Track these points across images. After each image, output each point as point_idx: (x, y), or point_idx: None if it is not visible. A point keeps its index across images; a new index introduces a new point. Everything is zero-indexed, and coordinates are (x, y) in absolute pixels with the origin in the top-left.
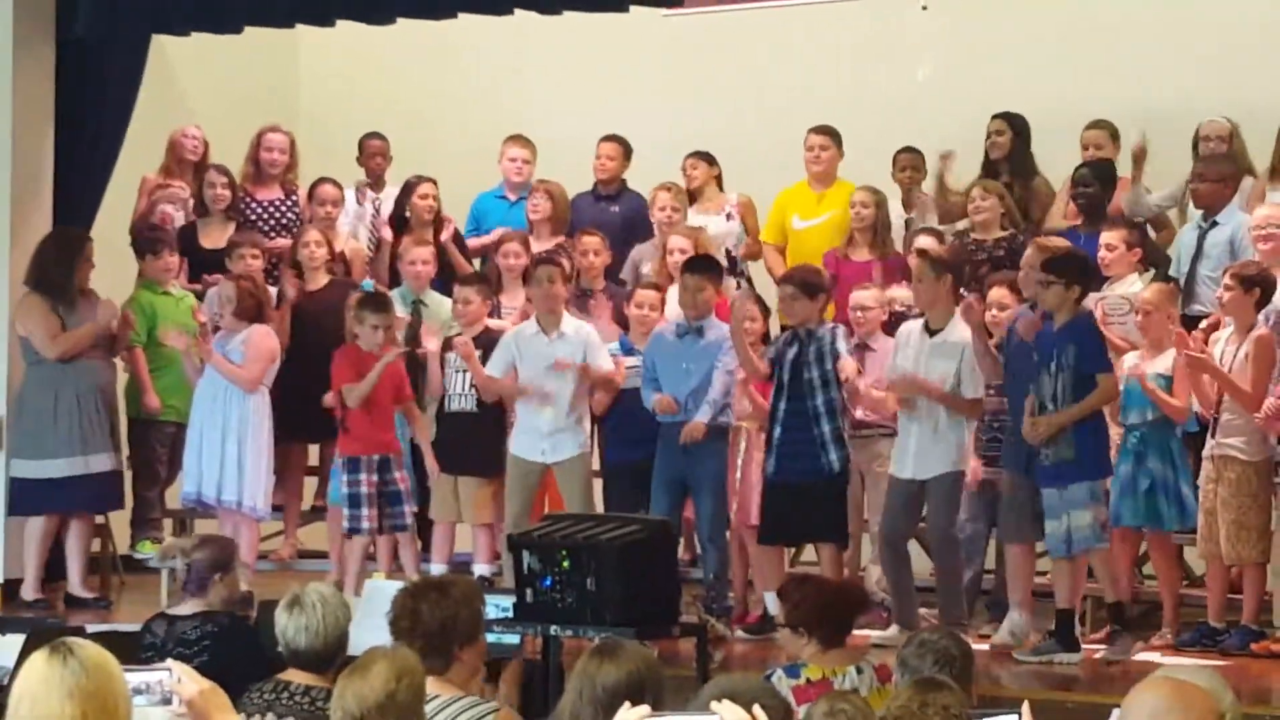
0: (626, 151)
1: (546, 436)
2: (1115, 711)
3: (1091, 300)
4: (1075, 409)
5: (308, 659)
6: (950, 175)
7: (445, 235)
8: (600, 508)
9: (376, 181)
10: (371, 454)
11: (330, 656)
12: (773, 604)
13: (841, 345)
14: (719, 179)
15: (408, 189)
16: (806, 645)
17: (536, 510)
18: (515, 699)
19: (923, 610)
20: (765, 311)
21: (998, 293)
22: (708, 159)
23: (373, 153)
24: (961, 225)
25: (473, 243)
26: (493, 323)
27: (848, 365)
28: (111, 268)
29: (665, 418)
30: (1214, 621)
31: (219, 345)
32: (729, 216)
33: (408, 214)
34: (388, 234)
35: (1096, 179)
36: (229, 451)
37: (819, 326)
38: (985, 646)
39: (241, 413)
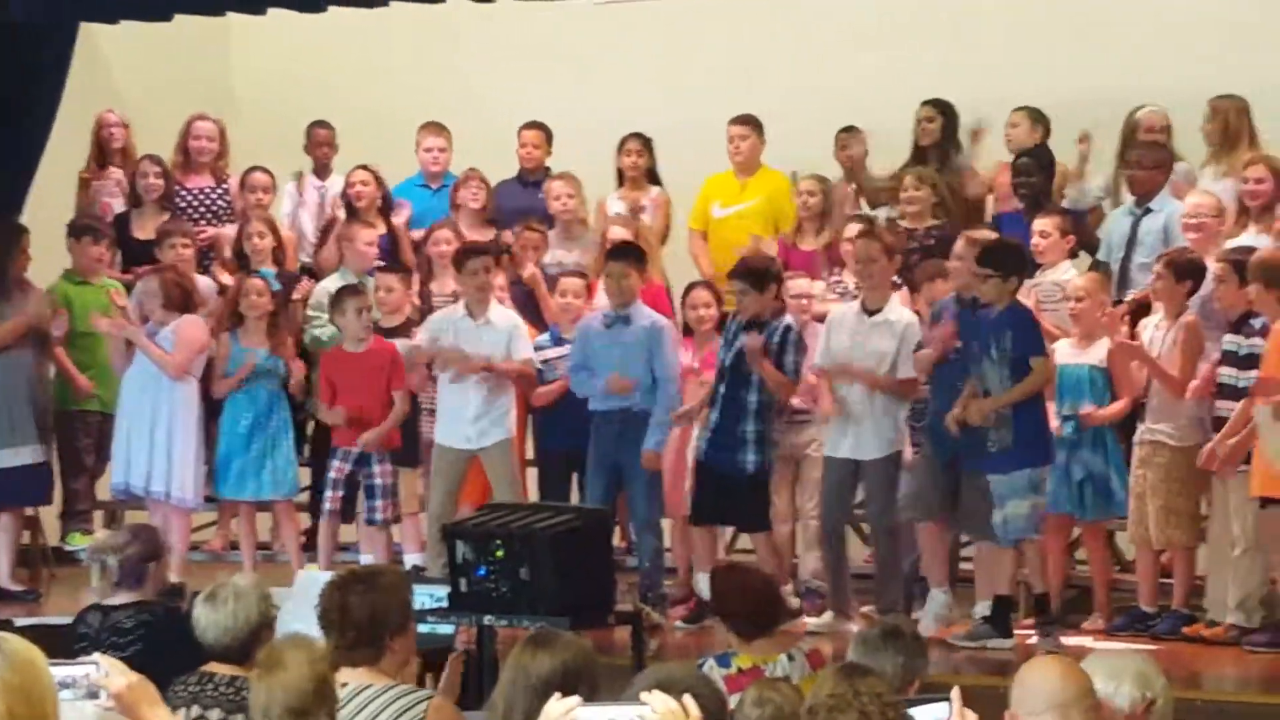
0: (549, 138)
1: (471, 423)
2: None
3: (1025, 287)
4: (1010, 392)
5: (222, 652)
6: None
7: (400, 219)
8: (534, 496)
9: (323, 169)
10: (351, 446)
11: (246, 649)
12: (704, 586)
13: (791, 358)
14: (651, 169)
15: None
16: (731, 634)
17: (464, 498)
18: (456, 691)
19: (864, 610)
20: (719, 299)
21: (931, 289)
22: (648, 145)
23: (319, 141)
24: (887, 213)
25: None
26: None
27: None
28: (37, 258)
29: (599, 406)
30: (1145, 606)
31: (148, 334)
32: (644, 209)
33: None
34: (338, 223)
35: (1037, 166)
36: (158, 442)
37: (773, 319)
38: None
39: (170, 403)
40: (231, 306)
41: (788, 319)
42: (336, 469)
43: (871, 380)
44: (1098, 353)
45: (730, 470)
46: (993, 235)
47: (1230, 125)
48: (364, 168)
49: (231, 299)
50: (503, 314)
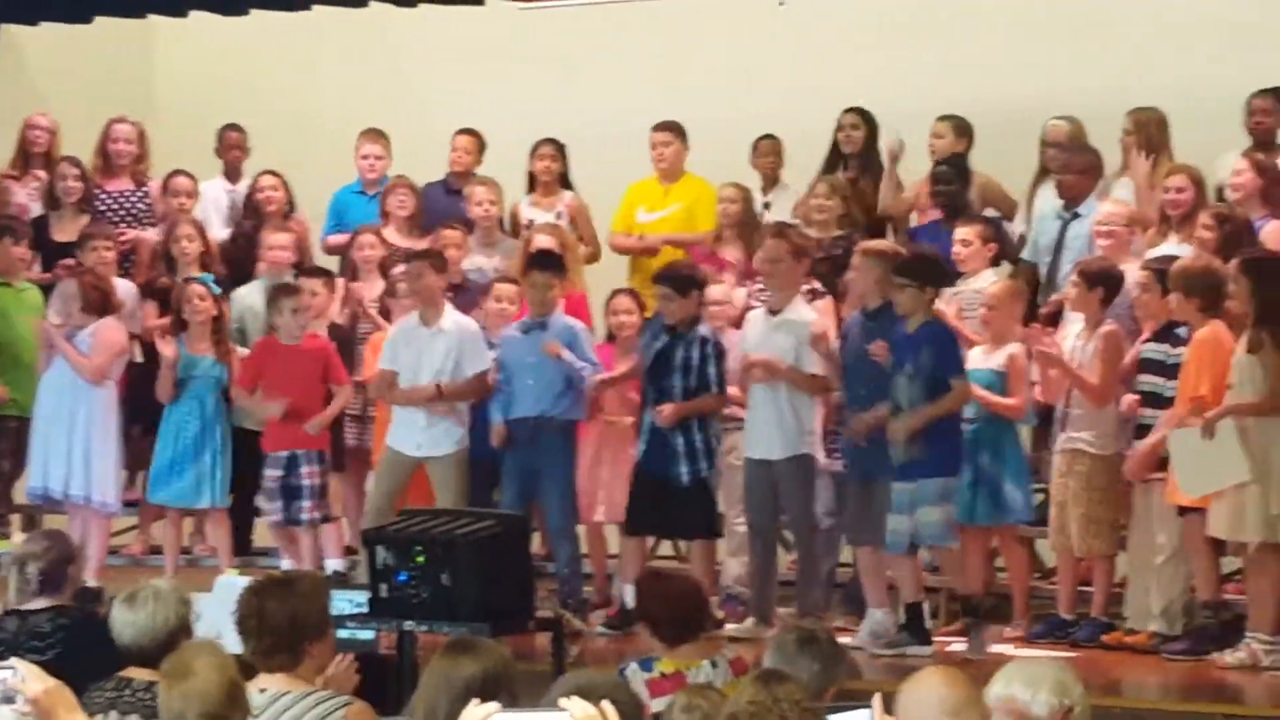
0: (481, 145)
1: (423, 430)
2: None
3: (946, 296)
4: (927, 411)
5: (139, 655)
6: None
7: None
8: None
9: (234, 173)
10: (279, 451)
11: (163, 651)
12: (631, 597)
13: (713, 370)
14: (563, 175)
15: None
16: (654, 640)
17: (405, 503)
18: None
19: (781, 611)
20: (641, 305)
21: None
22: (560, 150)
23: (231, 145)
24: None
25: (333, 240)
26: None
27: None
28: None
29: (513, 414)
30: (1064, 614)
31: (67, 338)
32: (559, 215)
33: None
34: (245, 227)
35: (956, 176)
36: (76, 446)
37: (693, 329)
38: (846, 640)
39: (89, 407)
40: (175, 314)
41: (704, 329)
42: (272, 478)
43: (785, 370)
44: (998, 358)
45: (667, 480)
46: (888, 245)
47: (1153, 137)
48: (271, 173)
49: (175, 306)
50: (456, 321)
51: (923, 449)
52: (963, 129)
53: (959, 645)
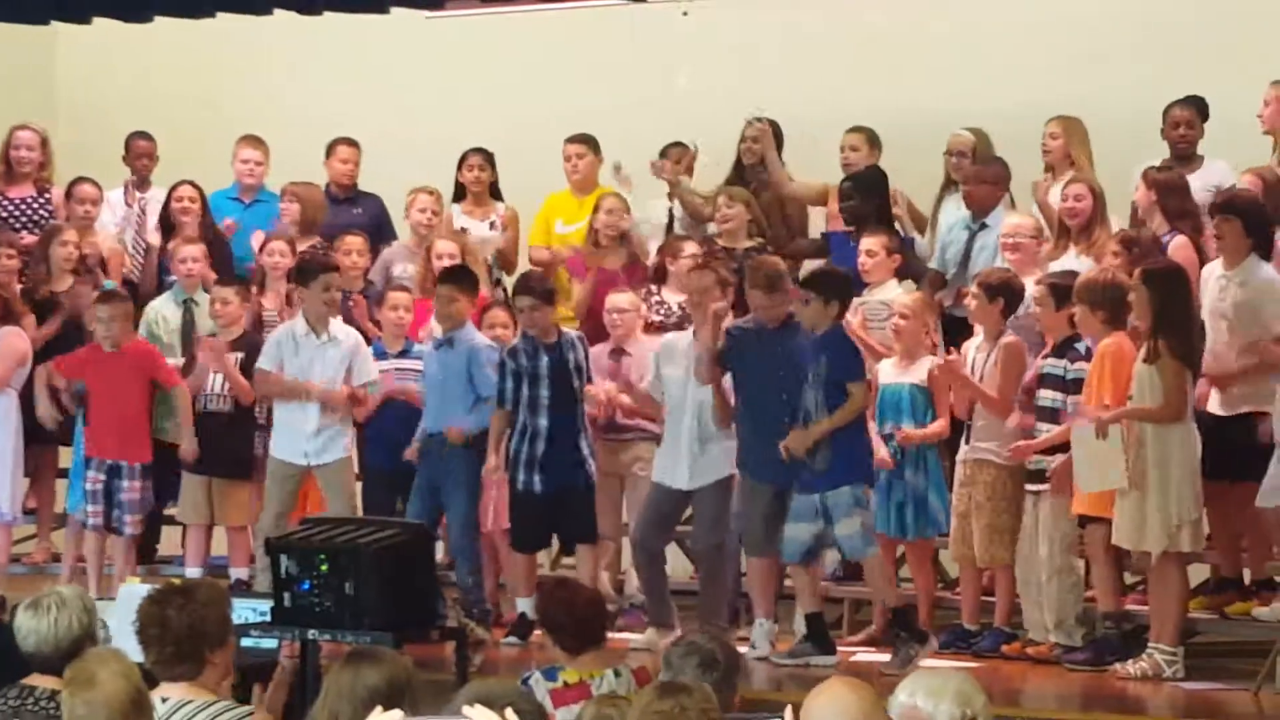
0: (359, 154)
1: (310, 438)
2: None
3: (852, 306)
4: (828, 421)
5: (44, 663)
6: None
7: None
8: (360, 512)
9: (143, 182)
10: (104, 457)
11: (67, 659)
12: (528, 607)
13: (584, 363)
14: (494, 184)
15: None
16: (557, 649)
17: (298, 513)
18: (279, 707)
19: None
20: (513, 320)
21: None
22: (490, 160)
23: (139, 153)
24: (711, 230)
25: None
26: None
27: (601, 391)
28: None
29: (426, 426)
30: (967, 624)
31: None
32: (492, 225)
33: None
34: (155, 238)
35: (857, 190)
36: None
37: (562, 335)
38: (744, 650)
39: None
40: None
41: (570, 332)
42: (92, 479)
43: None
44: (919, 372)
45: (563, 488)
46: (774, 261)
47: (1076, 145)
48: (189, 183)
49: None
50: (345, 331)
51: (829, 459)
52: (874, 140)
53: (865, 655)
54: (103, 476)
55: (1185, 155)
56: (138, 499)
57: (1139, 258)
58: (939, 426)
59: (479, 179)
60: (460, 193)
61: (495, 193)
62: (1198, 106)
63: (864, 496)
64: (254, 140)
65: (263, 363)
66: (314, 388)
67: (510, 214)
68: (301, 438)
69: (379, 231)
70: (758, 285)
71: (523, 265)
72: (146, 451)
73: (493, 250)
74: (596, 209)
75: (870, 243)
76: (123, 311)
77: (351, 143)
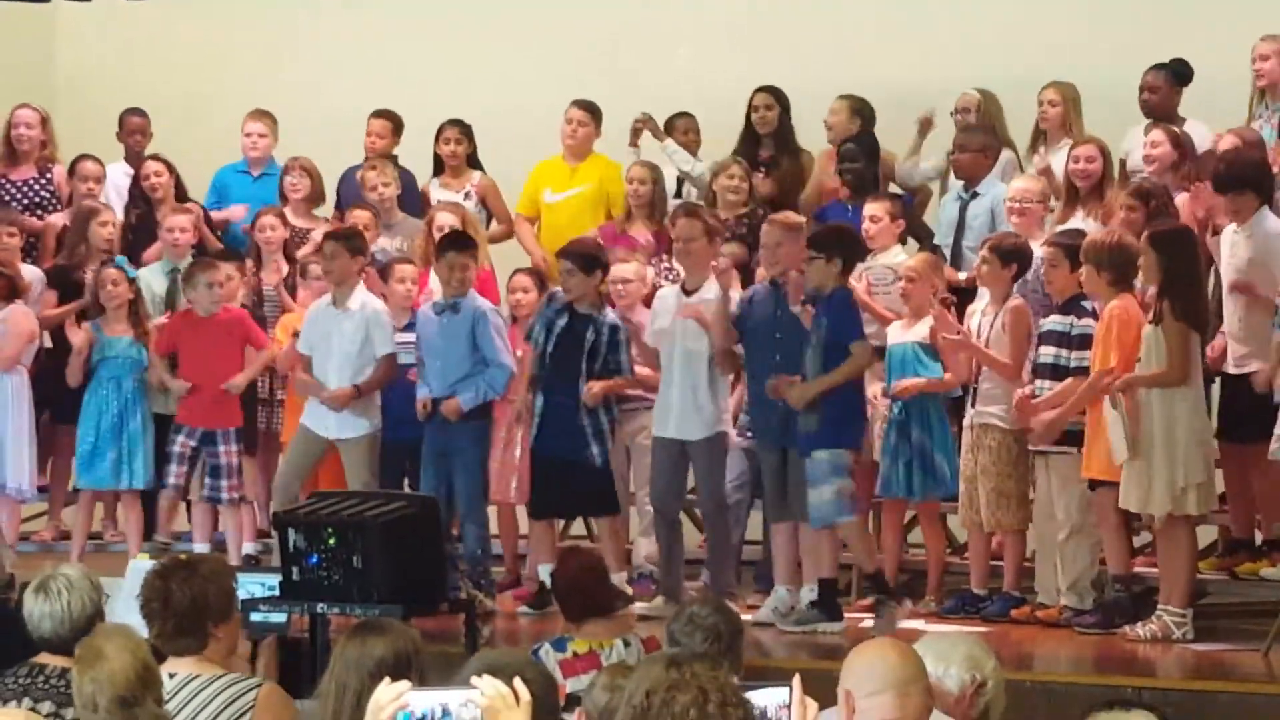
0: (397, 128)
1: (336, 412)
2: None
3: (857, 271)
4: (827, 377)
5: (55, 644)
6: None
7: (233, 217)
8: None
9: (135, 158)
10: (195, 425)
11: (80, 639)
12: (547, 576)
13: (623, 357)
14: (471, 156)
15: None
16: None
17: (312, 484)
18: (274, 673)
19: (689, 585)
20: (541, 285)
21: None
22: (466, 131)
23: (132, 130)
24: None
25: (215, 216)
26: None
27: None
28: None
29: (432, 395)
30: (976, 589)
31: None
32: (467, 195)
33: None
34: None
35: (861, 153)
36: None
37: (598, 312)
38: (749, 617)
39: (0, 394)
40: (92, 297)
41: (611, 316)
42: (181, 444)
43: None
44: (920, 330)
45: (574, 460)
46: (796, 218)
47: (1071, 111)
48: (156, 158)
49: (91, 290)
50: (365, 301)
51: (815, 422)
52: (859, 107)
53: (870, 622)
54: (193, 443)
55: (1165, 119)
56: (236, 464)
57: (1155, 212)
58: (946, 377)
59: (455, 152)
60: (440, 166)
61: (475, 164)
62: (1172, 70)
63: (843, 464)
64: (260, 114)
65: (301, 346)
66: (320, 392)
67: (486, 184)
68: (328, 411)
69: (402, 203)
70: (787, 231)
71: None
72: (239, 416)
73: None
74: (626, 179)
75: (874, 208)
76: (217, 278)
77: (386, 115)
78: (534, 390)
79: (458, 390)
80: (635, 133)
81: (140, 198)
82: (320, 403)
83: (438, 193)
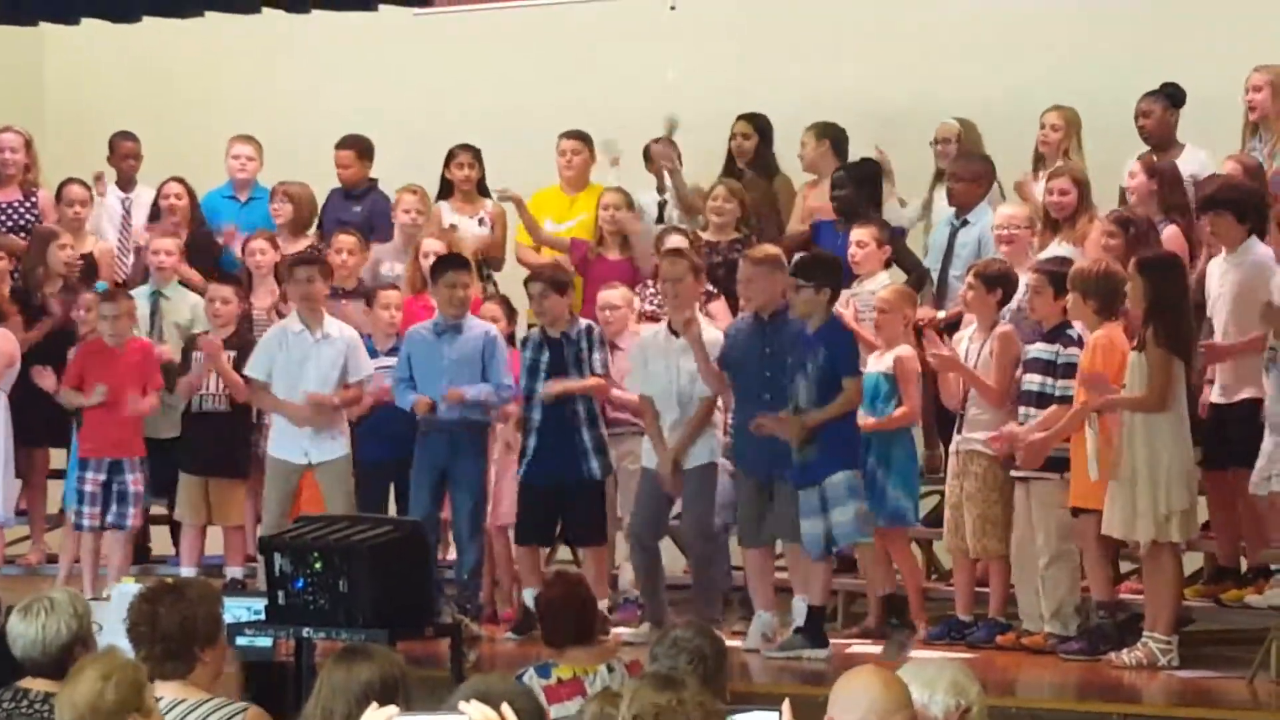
0: (361, 153)
1: (309, 437)
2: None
3: (844, 297)
4: (820, 413)
5: (35, 667)
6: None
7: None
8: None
9: (128, 182)
10: (102, 456)
11: (59, 663)
12: (531, 602)
13: (598, 355)
14: (481, 181)
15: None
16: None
17: (296, 512)
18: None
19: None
20: (511, 313)
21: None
22: (478, 156)
23: (124, 154)
24: (691, 225)
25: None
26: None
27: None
28: None
29: (428, 414)
30: (961, 615)
31: None
32: (481, 222)
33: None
34: (144, 237)
35: (850, 180)
36: None
37: (570, 327)
38: (738, 644)
39: None
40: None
41: (582, 322)
42: (91, 481)
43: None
44: (886, 361)
45: (567, 482)
46: (772, 250)
47: (1072, 136)
48: (176, 180)
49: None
50: (339, 327)
51: (818, 449)
52: (824, 133)
53: (860, 647)
54: (101, 476)
55: (1161, 146)
56: (140, 491)
57: (1134, 240)
58: (901, 413)
59: (468, 176)
60: (448, 189)
61: (484, 189)
62: (1167, 95)
63: (858, 484)
64: (246, 138)
65: (252, 369)
66: (298, 411)
67: (498, 211)
68: (300, 437)
69: (371, 228)
70: (758, 265)
71: (511, 262)
72: (142, 445)
73: (480, 246)
74: (601, 206)
75: (861, 234)
76: (127, 309)
77: (349, 144)
78: (522, 430)
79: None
80: (659, 155)
81: (158, 219)
82: (291, 420)
83: (450, 217)
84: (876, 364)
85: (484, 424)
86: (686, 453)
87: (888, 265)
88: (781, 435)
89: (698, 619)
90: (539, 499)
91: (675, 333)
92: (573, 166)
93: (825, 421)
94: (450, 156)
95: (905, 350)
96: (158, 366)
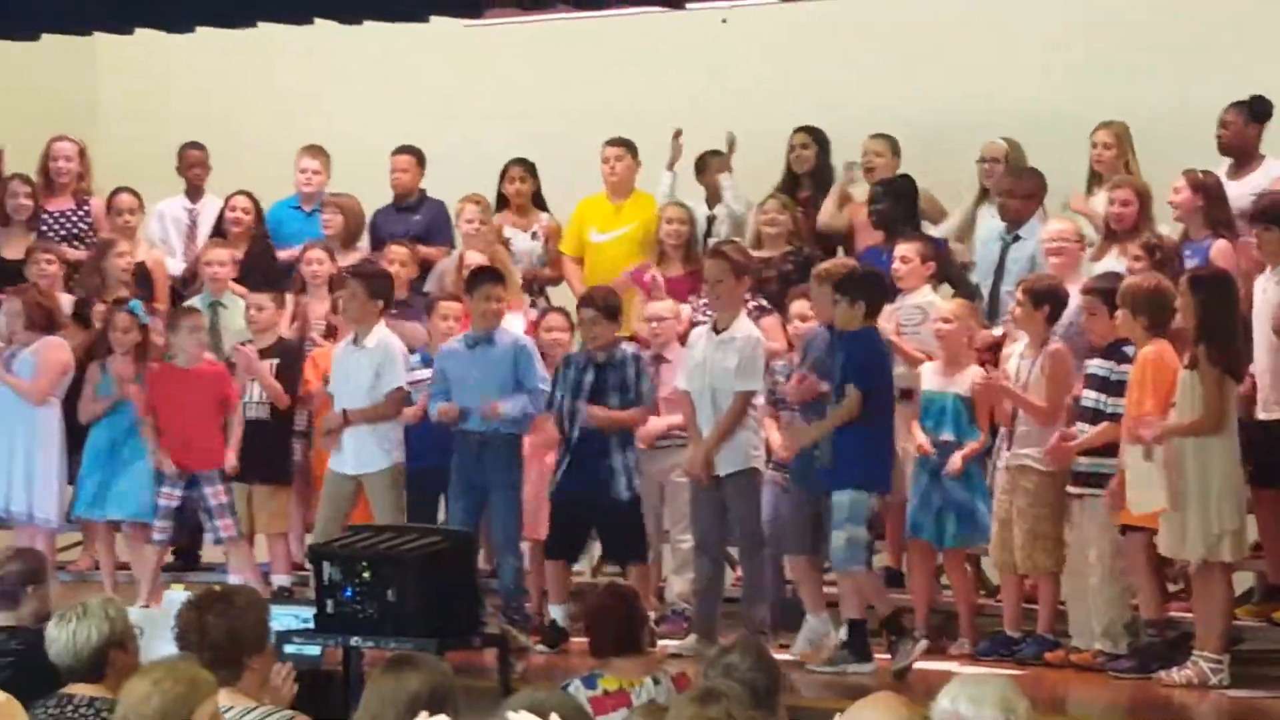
0: (420, 161)
1: (354, 450)
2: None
3: (886, 311)
4: (823, 422)
5: (71, 672)
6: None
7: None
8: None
9: (195, 191)
10: (182, 469)
11: (94, 667)
12: (560, 615)
13: (646, 385)
14: (537, 194)
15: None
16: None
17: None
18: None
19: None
20: (573, 327)
21: (798, 306)
22: (531, 170)
23: (191, 163)
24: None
25: (281, 255)
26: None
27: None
28: None
29: (461, 425)
30: (1010, 631)
31: (9, 357)
32: (534, 235)
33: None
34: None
35: (887, 195)
36: (17, 464)
37: (616, 350)
38: (786, 656)
39: (30, 424)
40: (102, 337)
41: (629, 347)
42: (165, 495)
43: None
44: (964, 382)
45: (601, 500)
46: (843, 266)
47: (1127, 150)
48: (244, 193)
49: (102, 330)
50: (379, 338)
51: (830, 456)
52: (896, 148)
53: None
54: (178, 492)
55: (1240, 159)
56: (226, 502)
57: (1159, 264)
58: (977, 444)
59: (520, 190)
60: (503, 203)
61: (540, 202)
62: (1250, 108)
63: (863, 508)
64: (314, 150)
65: (330, 386)
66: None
67: (553, 226)
68: (347, 449)
69: (431, 239)
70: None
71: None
72: (220, 457)
73: (534, 260)
74: (664, 219)
75: (904, 249)
76: (199, 324)
77: (408, 150)
78: (564, 449)
79: (500, 406)
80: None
81: (223, 232)
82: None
83: (506, 231)
84: (948, 384)
85: (517, 435)
86: (719, 447)
87: (931, 280)
88: (790, 448)
89: (749, 636)
90: (569, 514)
91: (718, 331)
92: (616, 173)
93: (825, 431)
94: (504, 171)
95: (978, 373)
96: (232, 389)
